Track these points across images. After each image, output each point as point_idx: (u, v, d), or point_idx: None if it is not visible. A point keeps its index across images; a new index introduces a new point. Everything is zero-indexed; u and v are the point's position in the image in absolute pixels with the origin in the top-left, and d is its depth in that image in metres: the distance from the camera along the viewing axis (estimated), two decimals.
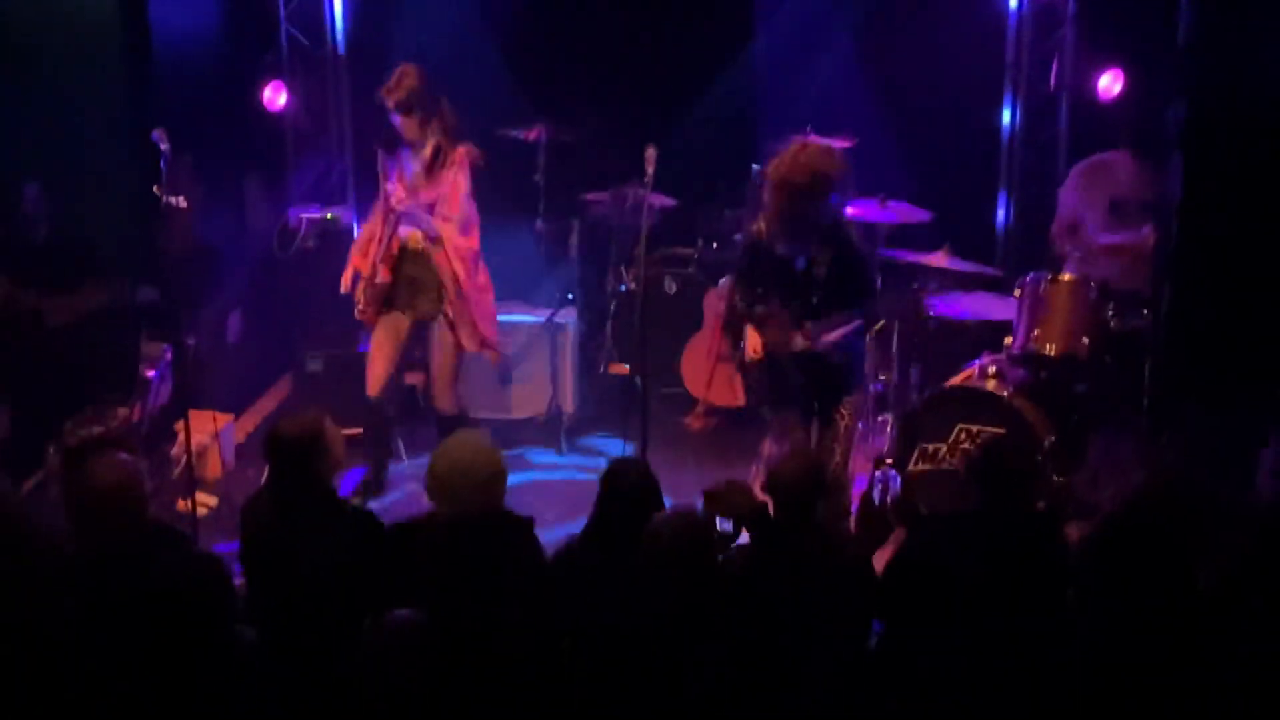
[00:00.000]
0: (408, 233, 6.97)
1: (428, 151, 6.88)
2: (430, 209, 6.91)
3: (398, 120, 6.81)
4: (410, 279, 7.04)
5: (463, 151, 6.93)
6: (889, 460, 6.69)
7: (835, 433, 6.28)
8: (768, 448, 6.67)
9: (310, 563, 4.70)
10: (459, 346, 7.17)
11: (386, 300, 7.08)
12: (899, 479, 6.60)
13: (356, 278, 7.05)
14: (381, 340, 7.17)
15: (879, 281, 7.06)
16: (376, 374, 7.22)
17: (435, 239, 6.91)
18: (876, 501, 6.24)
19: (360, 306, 7.08)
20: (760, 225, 6.18)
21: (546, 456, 8.10)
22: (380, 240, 6.95)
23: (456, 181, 6.93)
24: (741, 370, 6.64)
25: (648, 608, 4.31)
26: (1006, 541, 4.73)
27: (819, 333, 6.08)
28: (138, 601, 4.01)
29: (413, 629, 3.88)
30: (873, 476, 6.66)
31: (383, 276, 7.00)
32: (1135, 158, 7.26)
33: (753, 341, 6.26)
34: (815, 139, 7.79)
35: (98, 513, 4.54)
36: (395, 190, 6.90)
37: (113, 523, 4.52)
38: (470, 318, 7.07)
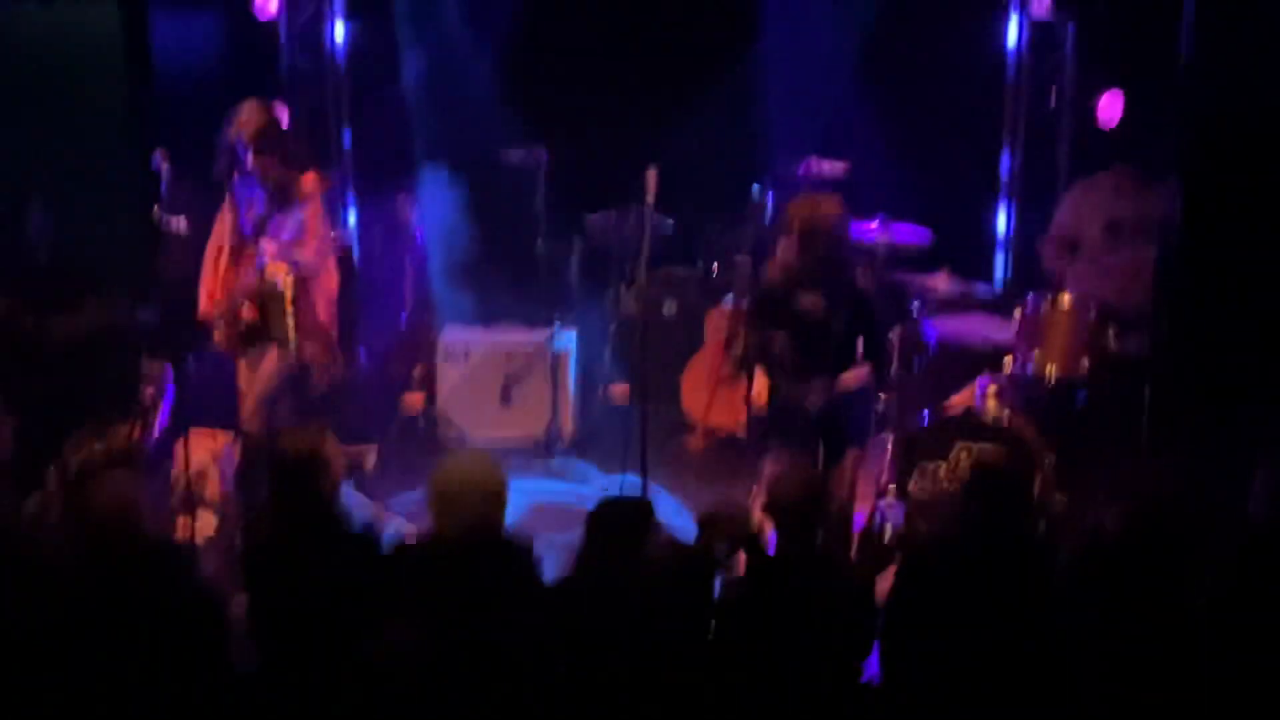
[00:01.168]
0: (270, 268, 6.88)
1: (274, 187, 6.83)
2: (288, 244, 6.86)
3: (248, 156, 6.75)
4: (268, 313, 6.95)
5: (312, 179, 6.89)
6: (891, 489, 6.70)
7: (840, 464, 6.29)
8: (768, 468, 6.66)
9: (311, 580, 4.70)
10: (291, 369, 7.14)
11: (250, 336, 6.99)
12: (901, 510, 6.59)
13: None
14: (249, 376, 7.10)
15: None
16: (250, 409, 7.14)
17: (308, 277, 6.90)
18: (878, 531, 6.25)
19: (219, 337, 6.99)
20: (776, 274, 6.26)
21: (545, 479, 8.09)
22: (231, 272, 6.88)
23: (314, 213, 6.91)
24: (748, 411, 6.60)
25: (644, 634, 4.30)
26: (1003, 562, 4.72)
27: (833, 386, 6.14)
28: (135, 621, 4.02)
29: (410, 647, 3.87)
30: (875, 506, 6.67)
31: (249, 313, 6.92)
32: (1133, 178, 7.27)
33: (760, 389, 6.31)
34: (818, 161, 7.85)
35: (98, 532, 4.53)
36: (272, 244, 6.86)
37: (113, 542, 4.51)
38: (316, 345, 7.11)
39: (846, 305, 6.18)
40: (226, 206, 6.89)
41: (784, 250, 6.21)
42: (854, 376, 6.19)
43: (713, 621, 4.52)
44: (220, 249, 6.92)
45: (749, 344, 6.38)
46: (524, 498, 7.41)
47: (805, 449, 6.28)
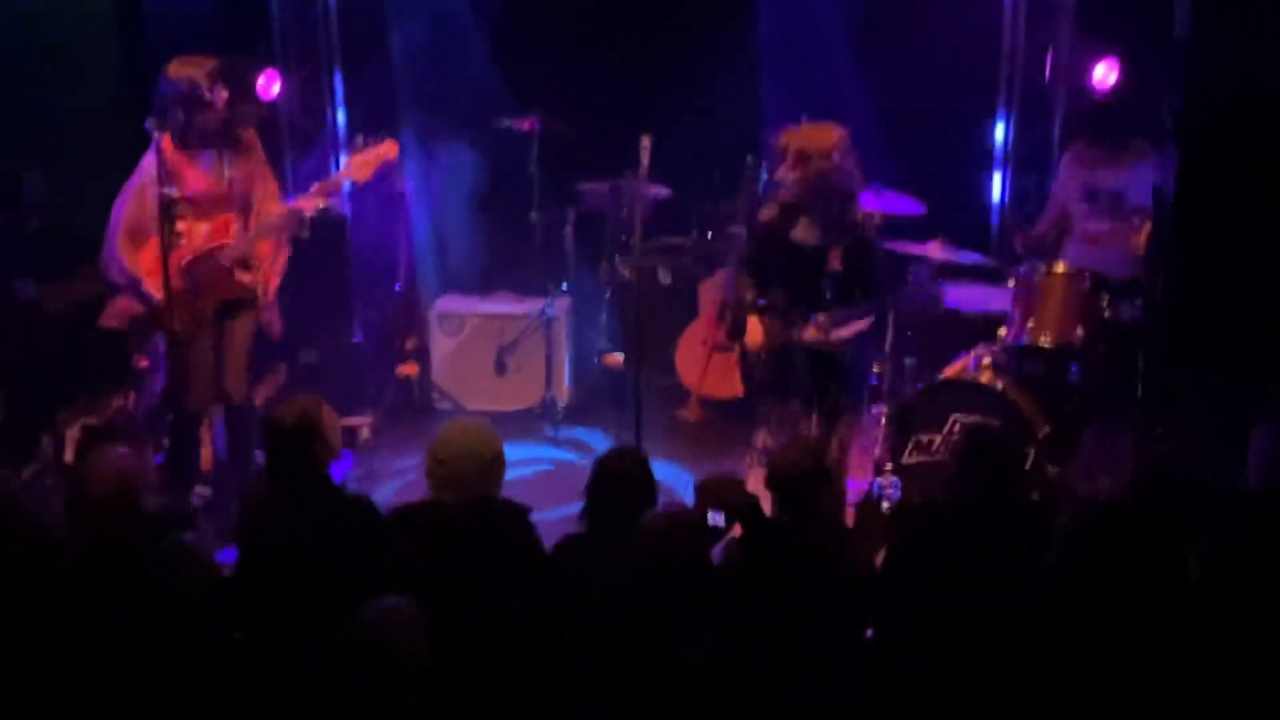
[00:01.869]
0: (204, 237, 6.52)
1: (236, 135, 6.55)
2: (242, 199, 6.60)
3: (216, 99, 6.39)
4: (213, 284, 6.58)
5: (252, 133, 6.67)
6: (889, 467, 6.70)
7: (835, 428, 6.27)
8: (761, 439, 6.67)
9: (308, 549, 4.70)
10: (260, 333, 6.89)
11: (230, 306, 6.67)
12: (900, 485, 6.59)
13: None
14: (219, 348, 6.72)
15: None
16: (234, 378, 6.80)
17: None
18: (875, 506, 6.27)
19: (185, 318, 6.45)
20: (772, 212, 6.17)
21: (540, 447, 8.10)
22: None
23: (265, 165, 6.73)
24: (742, 360, 6.55)
25: (643, 601, 4.31)
26: (998, 532, 4.73)
27: (832, 326, 6.02)
28: (131, 591, 4.01)
29: (406, 615, 3.87)
30: (873, 482, 6.67)
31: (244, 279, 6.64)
32: (1106, 146, 7.27)
33: (754, 332, 6.22)
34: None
35: (96, 504, 4.53)
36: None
37: (110, 514, 4.52)
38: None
39: (844, 237, 6.03)
40: (202, 169, 6.45)
41: (781, 179, 6.10)
42: (856, 315, 6.07)
43: (711, 589, 4.52)
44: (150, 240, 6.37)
45: (743, 289, 6.26)
46: (519, 467, 7.42)
47: (799, 403, 6.28)
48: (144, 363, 7.07)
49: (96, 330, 7.05)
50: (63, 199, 7.39)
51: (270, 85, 8.78)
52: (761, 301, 6.19)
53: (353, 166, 6.68)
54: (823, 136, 6.03)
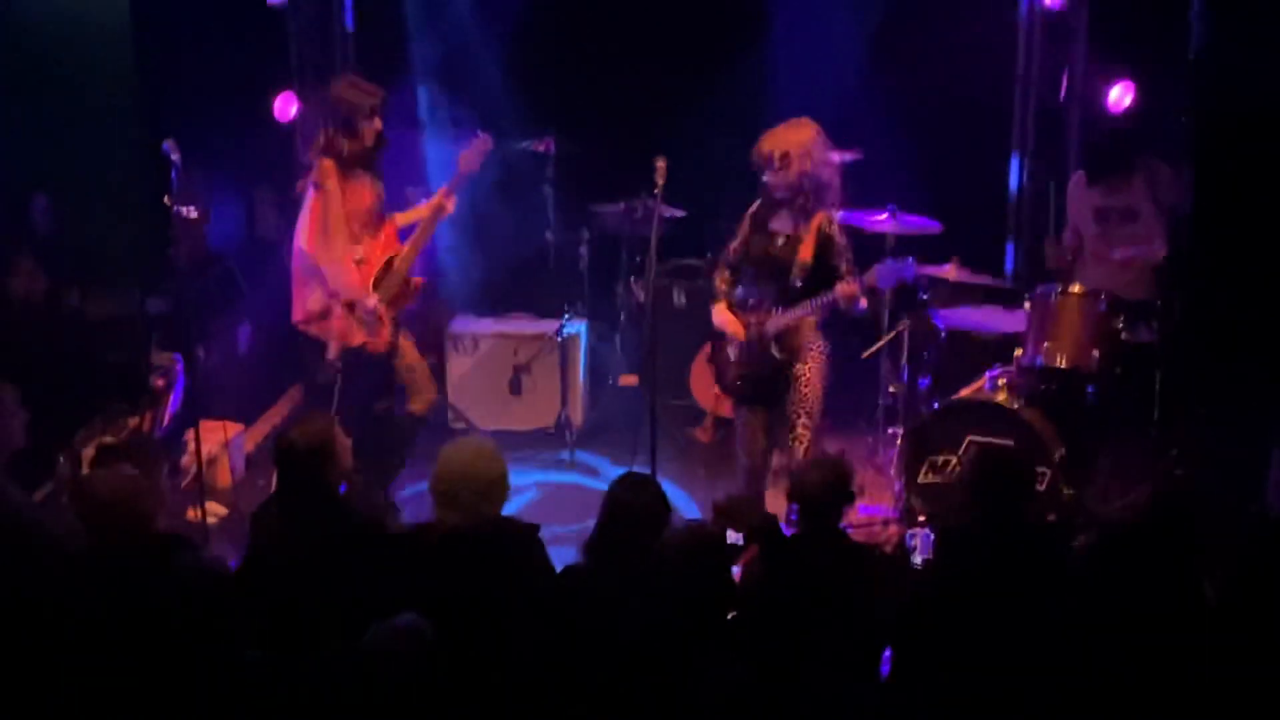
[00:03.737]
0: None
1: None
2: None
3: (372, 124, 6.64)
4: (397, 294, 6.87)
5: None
6: (923, 519, 6.66)
7: (795, 433, 6.38)
8: (777, 460, 6.69)
9: (317, 569, 4.71)
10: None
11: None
12: (930, 540, 6.54)
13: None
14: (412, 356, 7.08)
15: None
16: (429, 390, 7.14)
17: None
18: (913, 561, 6.24)
19: (385, 325, 6.76)
20: (757, 206, 6.42)
21: (554, 468, 8.10)
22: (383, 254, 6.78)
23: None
24: (714, 354, 6.73)
25: (657, 622, 4.30)
26: (1012, 554, 4.71)
27: (777, 320, 6.27)
28: (146, 607, 4.02)
29: (415, 635, 3.87)
30: (904, 534, 6.63)
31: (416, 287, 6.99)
32: (1128, 169, 7.26)
33: (731, 323, 6.40)
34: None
35: (102, 523, 4.54)
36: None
37: (118, 533, 4.52)
38: None
39: (813, 231, 6.23)
40: (361, 184, 6.68)
41: (770, 183, 6.35)
42: (802, 310, 6.24)
43: (730, 607, 4.52)
44: (354, 232, 6.69)
45: (719, 281, 6.53)
46: (532, 488, 7.43)
47: (767, 396, 6.47)
48: (160, 383, 7.09)
49: (113, 351, 7.09)
50: (79, 220, 7.42)
51: (287, 107, 8.82)
52: (739, 293, 6.44)
53: (464, 162, 6.81)
54: (799, 134, 6.27)
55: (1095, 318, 6.77)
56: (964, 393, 6.97)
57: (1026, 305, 6.96)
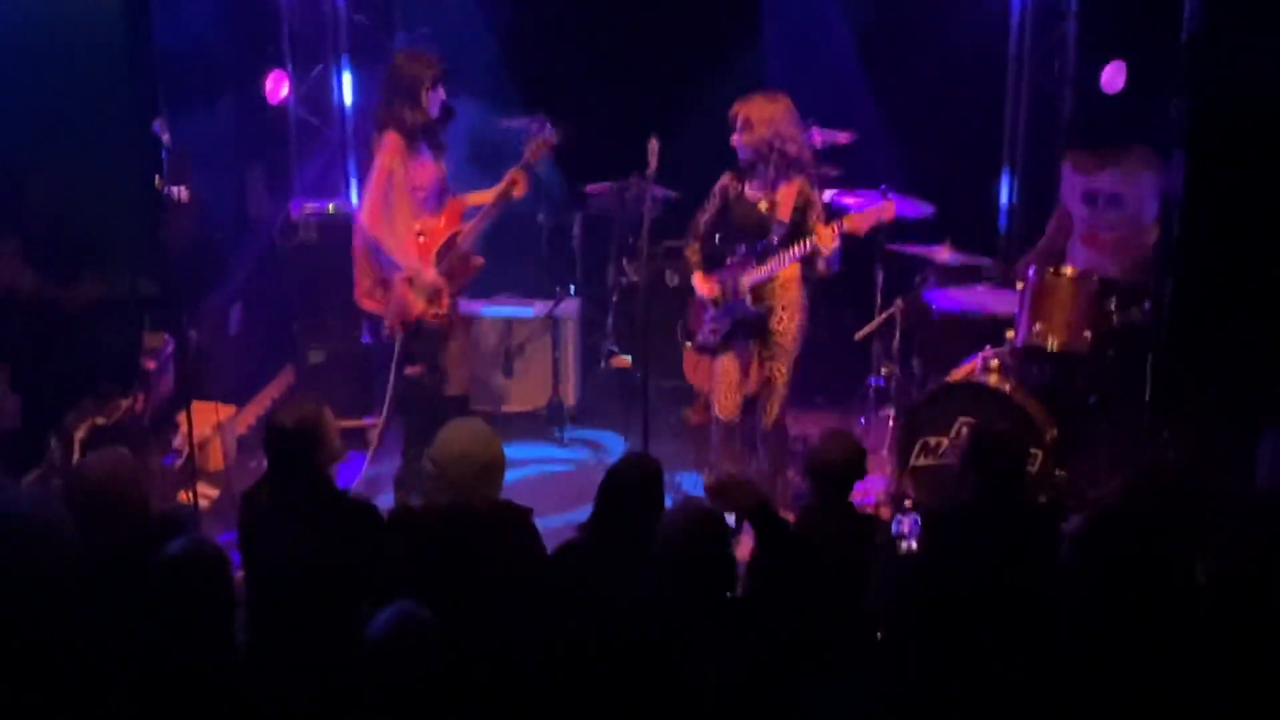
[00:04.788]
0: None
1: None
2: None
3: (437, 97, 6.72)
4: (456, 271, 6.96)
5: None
6: (909, 503, 6.67)
7: (773, 387, 6.66)
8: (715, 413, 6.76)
9: (308, 552, 4.70)
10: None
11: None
12: (919, 522, 6.57)
13: None
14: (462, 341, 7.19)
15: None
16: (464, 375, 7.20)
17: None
18: (902, 548, 6.25)
19: (445, 304, 6.85)
20: (730, 175, 6.65)
21: (547, 449, 8.10)
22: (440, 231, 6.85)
23: None
24: (689, 320, 6.99)
25: (655, 601, 4.30)
26: (1005, 536, 4.72)
27: (754, 274, 6.54)
28: (139, 589, 4.01)
29: (414, 620, 3.87)
30: (893, 518, 6.63)
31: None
32: (1101, 152, 7.26)
33: (701, 284, 6.68)
34: (820, 132, 7.86)
35: (94, 506, 4.53)
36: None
37: (109, 516, 4.51)
38: None
39: (793, 195, 6.48)
40: (424, 159, 6.74)
41: (735, 144, 6.58)
42: (771, 265, 6.51)
43: (731, 585, 4.53)
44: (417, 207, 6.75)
45: (689, 250, 6.77)
46: (524, 467, 7.44)
47: (742, 354, 6.76)
48: (151, 364, 7.07)
49: (104, 333, 7.07)
50: (70, 201, 7.38)
51: (278, 87, 8.79)
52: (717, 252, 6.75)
53: (530, 151, 6.94)
54: (767, 106, 6.52)
55: (1087, 299, 6.78)
56: (956, 375, 6.98)
57: (1018, 287, 6.97)
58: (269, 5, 8.79)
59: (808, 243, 6.38)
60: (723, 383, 6.75)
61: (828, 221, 6.44)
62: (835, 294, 8.61)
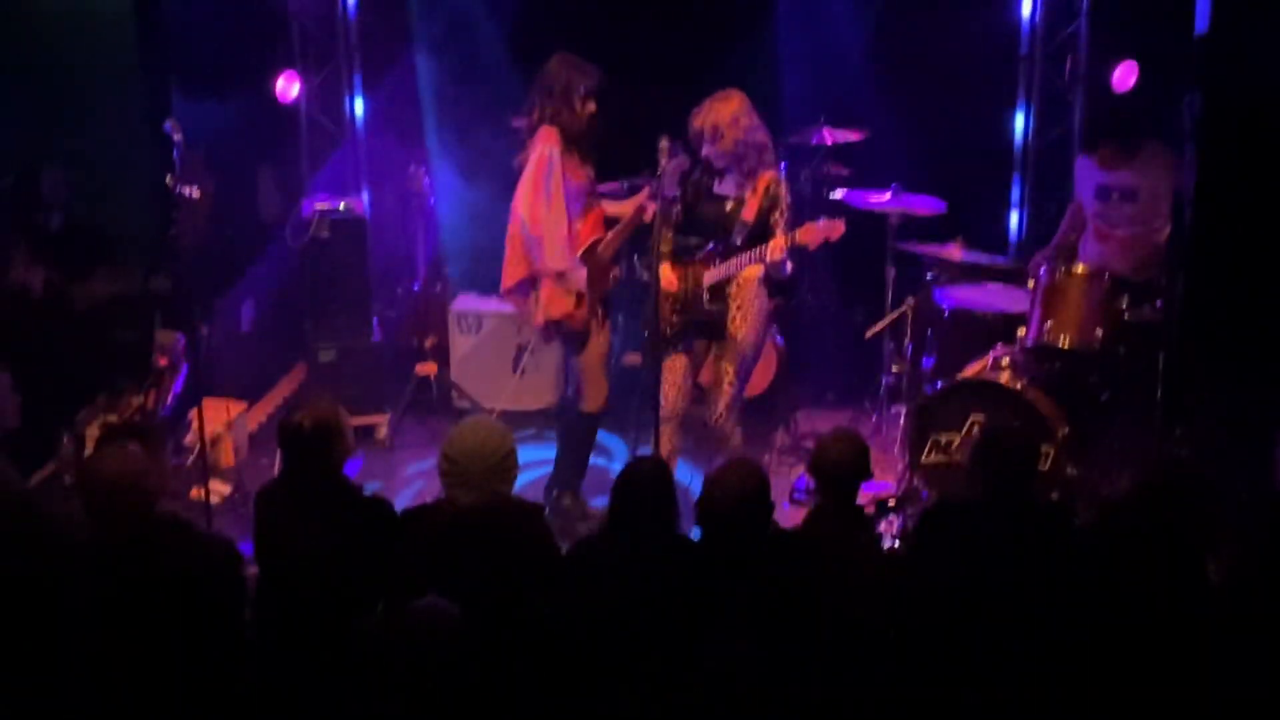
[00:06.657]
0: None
1: None
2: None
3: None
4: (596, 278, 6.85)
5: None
6: (892, 503, 6.70)
7: (719, 387, 6.67)
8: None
9: (324, 549, 4.72)
10: None
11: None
12: (903, 520, 6.59)
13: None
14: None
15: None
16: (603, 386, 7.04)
17: None
18: (887, 545, 6.26)
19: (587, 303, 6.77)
20: (697, 175, 6.66)
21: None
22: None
23: None
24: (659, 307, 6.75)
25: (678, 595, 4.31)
26: (1016, 532, 4.72)
27: (713, 272, 6.54)
28: (149, 587, 4.02)
29: (439, 616, 3.87)
30: (877, 520, 6.64)
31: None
32: (1116, 148, 7.24)
33: (668, 279, 6.57)
34: (832, 131, 7.85)
35: (105, 503, 4.54)
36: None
37: (121, 513, 4.52)
38: None
39: (760, 192, 6.50)
40: (574, 162, 6.69)
41: (709, 156, 6.60)
42: (735, 264, 6.51)
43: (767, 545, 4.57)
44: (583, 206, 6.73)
45: (656, 241, 6.50)
46: (536, 467, 7.43)
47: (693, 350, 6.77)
48: (164, 362, 7.09)
49: (116, 330, 7.09)
50: (81, 200, 7.41)
51: (289, 87, 8.80)
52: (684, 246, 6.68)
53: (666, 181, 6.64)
54: (727, 106, 6.55)
55: (1099, 297, 6.77)
56: (967, 372, 6.97)
57: (1030, 284, 6.96)
58: (279, 5, 8.80)
59: (761, 250, 6.39)
60: (668, 380, 6.65)
61: (791, 223, 6.45)
62: (847, 292, 8.62)
